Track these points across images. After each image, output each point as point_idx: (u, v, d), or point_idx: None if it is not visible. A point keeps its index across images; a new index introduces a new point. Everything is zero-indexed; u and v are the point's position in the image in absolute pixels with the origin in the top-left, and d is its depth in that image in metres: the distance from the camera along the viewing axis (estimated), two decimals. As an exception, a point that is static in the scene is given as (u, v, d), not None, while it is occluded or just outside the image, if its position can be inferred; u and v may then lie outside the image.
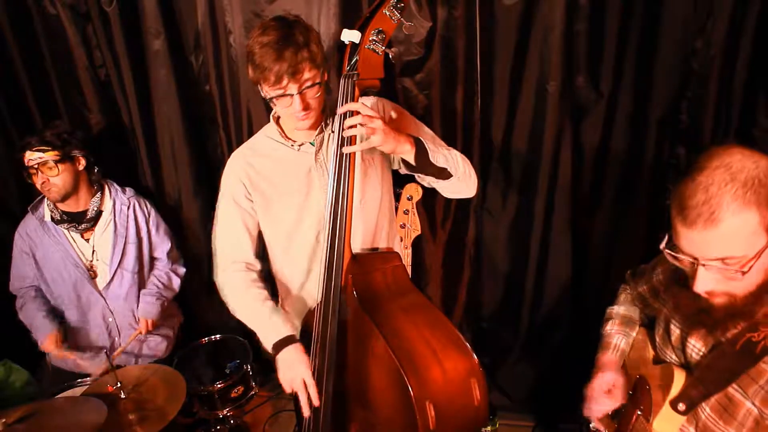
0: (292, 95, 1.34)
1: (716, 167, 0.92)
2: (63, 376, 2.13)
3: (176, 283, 2.32)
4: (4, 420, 1.49)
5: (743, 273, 0.93)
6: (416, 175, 1.51)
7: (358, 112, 1.29)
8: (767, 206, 0.90)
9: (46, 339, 2.03)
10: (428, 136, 1.60)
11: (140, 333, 2.15)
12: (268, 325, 1.51)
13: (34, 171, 1.99)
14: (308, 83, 1.34)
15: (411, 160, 1.36)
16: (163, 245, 2.30)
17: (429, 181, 1.50)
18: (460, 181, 1.49)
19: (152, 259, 2.29)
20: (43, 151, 1.98)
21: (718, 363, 1.05)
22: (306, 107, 1.38)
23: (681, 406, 1.10)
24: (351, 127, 1.29)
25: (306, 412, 1.40)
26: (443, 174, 1.43)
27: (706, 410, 1.08)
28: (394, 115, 1.58)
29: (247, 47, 1.36)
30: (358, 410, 1.39)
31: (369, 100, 1.58)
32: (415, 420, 1.15)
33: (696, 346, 1.13)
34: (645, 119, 2.00)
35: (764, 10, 1.74)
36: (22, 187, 2.56)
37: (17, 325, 2.19)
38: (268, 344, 1.49)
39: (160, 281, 2.25)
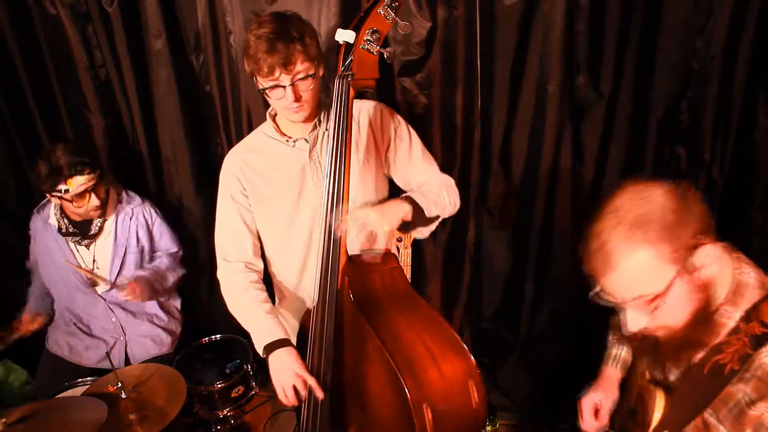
0: (284, 87, 1.35)
1: (607, 212, 0.95)
2: (58, 363, 2.14)
3: (170, 278, 2.23)
4: (4, 420, 1.49)
5: (653, 310, 0.93)
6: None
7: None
8: (663, 240, 0.89)
9: (22, 315, 2.14)
10: (419, 155, 1.60)
11: (121, 291, 2.02)
12: (261, 327, 1.50)
13: (86, 195, 1.94)
14: (300, 75, 1.35)
15: (408, 218, 1.38)
16: (165, 248, 2.28)
17: (415, 232, 1.52)
18: (443, 216, 1.51)
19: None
20: (92, 172, 1.93)
21: (690, 388, 1.04)
22: (298, 99, 1.38)
23: None
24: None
25: (302, 395, 1.40)
26: (432, 222, 1.45)
27: None
28: (393, 128, 1.58)
29: (244, 42, 1.38)
30: (356, 412, 1.39)
31: (369, 105, 1.58)
32: (412, 423, 1.14)
33: (672, 370, 1.12)
34: (645, 119, 2.00)
35: (764, 10, 1.75)
36: (22, 187, 2.57)
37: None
38: (259, 346, 1.48)
39: (152, 267, 2.20)
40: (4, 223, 2.56)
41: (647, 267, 0.90)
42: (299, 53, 1.33)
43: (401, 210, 1.36)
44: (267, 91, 1.38)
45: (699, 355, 1.01)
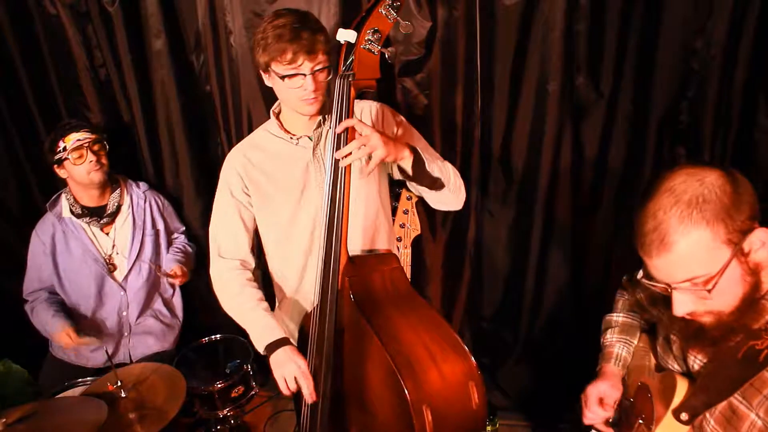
0: (304, 75, 1.37)
1: (662, 192, 0.94)
2: (63, 367, 2.14)
3: (192, 257, 2.39)
4: (4, 420, 1.49)
5: (708, 291, 0.92)
6: (409, 184, 1.52)
7: (353, 130, 1.30)
8: (719, 221, 0.90)
9: (60, 333, 2.02)
10: (422, 146, 1.60)
11: (174, 276, 2.16)
12: (261, 326, 1.51)
13: (83, 151, 2.02)
14: (320, 65, 1.38)
15: (408, 168, 1.38)
16: (176, 227, 2.40)
17: (421, 191, 1.51)
18: (451, 192, 1.51)
19: (170, 245, 2.36)
20: (90, 132, 2.06)
21: (720, 372, 1.04)
22: (317, 88, 1.40)
23: (684, 416, 1.09)
24: (348, 155, 1.29)
25: (309, 400, 1.40)
26: (437, 184, 1.45)
27: (710, 423, 1.06)
28: (395, 125, 1.58)
29: (256, 34, 1.39)
30: (357, 413, 1.39)
31: (371, 104, 1.58)
32: (412, 424, 1.14)
33: (698, 358, 1.12)
34: (645, 119, 2.00)
35: (764, 10, 1.75)
36: (22, 187, 2.57)
37: (17, 325, 2.19)
38: (260, 345, 1.49)
39: (179, 249, 2.34)
40: (4, 223, 2.56)
41: (703, 247, 0.90)
42: (321, 44, 1.36)
43: (401, 149, 1.35)
44: (285, 79, 1.38)
45: (733, 341, 1.01)
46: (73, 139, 2.02)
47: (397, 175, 1.57)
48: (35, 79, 2.40)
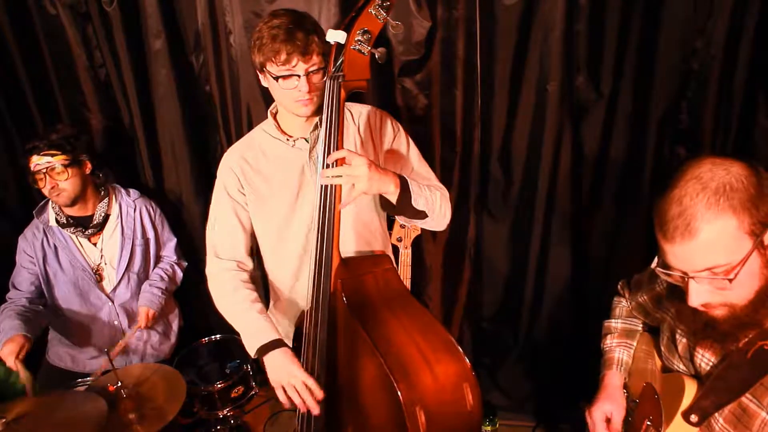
0: (299, 76, 1.36)
1: (688, 179, 0.94)
2: (60, 374, 2.13)
3: (179, 276, 2.33)
4: (4, 419, 1.50)
5: (730, 280, 0.92)
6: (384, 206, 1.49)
7: (343, 160, 1.28)
8: (745, 210, 0.90)
9: (5, 344, 1.83)
10: (416, 162, 1.59)
11: (140, 327, 2.11)
12: (253, 327, 1.49)
13: (41, 176, 1.95)
14: (315, 66, 1.37)
15: (393, 200, 1.35)
16: (170, 242, 2.33)
17: (399, 218, 1.49)
18: (433, 221, 1.49)
19: (158, 257, 2.30)
20: (52, 155, 1.94)
21: (729, 373, 1.04)
22: (311, 90, 1.39)
23: (693, 418, 1.09)
24: (335, 176, 1.28)
25: (303, 408, 1.38)
26: (418, 215, 1.43)
27: (719, 421, 1.06)
28: (392, 136, 1.57)
29: (253, 34, 1.38)
30: (352, 414, 1.38)
31: (369, 109, 1.57)
32: (405, 426, 1.14)
33: (705, 356, 1.12)
34: (645, 119, 2.00)
35: (764, 10, 1.75)
36: (22, 187, 2.57)
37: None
38: (252, 347, 1.47)
39: (165, 274, 2.25)
40: (4, 223, 2.55)
41: (727, 235, 0.90)
42: (316, 45, 1.35)
43: (388, 184, 1.31)
44: (280, 80, 1.38)
45: (742, 341, 1.01)
46: (34, 163, 1.94)
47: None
48: (35, 79, 2.40)
